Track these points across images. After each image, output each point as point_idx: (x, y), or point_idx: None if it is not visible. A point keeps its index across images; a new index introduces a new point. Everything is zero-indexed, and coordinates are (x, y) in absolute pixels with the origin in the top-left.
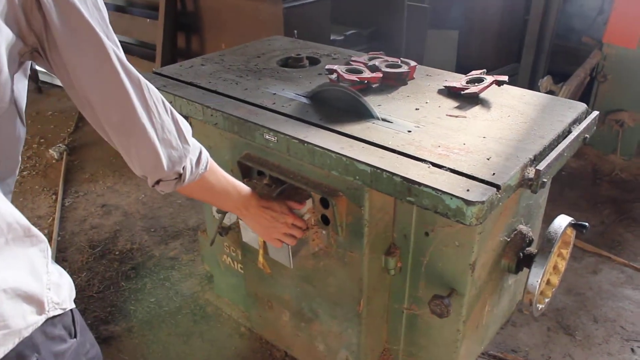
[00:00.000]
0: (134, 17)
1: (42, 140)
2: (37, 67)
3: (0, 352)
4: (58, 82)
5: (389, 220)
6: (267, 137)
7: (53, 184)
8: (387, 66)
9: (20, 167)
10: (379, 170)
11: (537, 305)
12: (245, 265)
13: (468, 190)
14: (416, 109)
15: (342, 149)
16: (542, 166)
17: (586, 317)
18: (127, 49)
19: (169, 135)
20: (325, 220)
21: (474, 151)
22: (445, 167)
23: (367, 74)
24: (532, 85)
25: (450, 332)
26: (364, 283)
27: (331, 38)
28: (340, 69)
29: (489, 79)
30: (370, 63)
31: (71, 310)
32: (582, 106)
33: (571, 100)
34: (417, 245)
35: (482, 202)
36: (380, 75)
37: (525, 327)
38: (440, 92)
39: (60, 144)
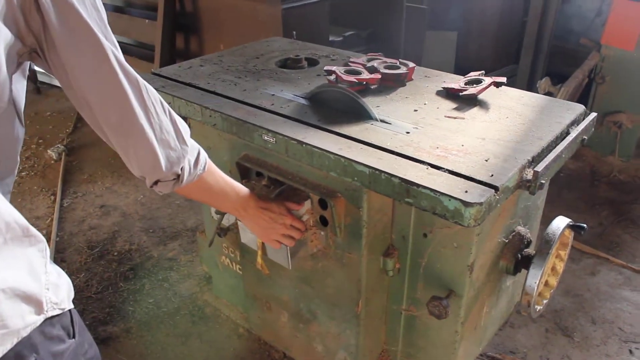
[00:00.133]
0: (132, 18)
1: (40, 141)
2: (36, 68)
3: None
4: (57, 83)
5: (388, 222)
6: (265, 138)
7: (51, 184)
8: (385, 67)
9: (18, 168)
10: (377, 172)
11: (535, 306)
12: (244, 266)
13: (466, 191)
14: (415, 110)
15: (341, 150)
16: (540, 168)
17: (584, 319)
18: (126, 49)
19: (167, 136)
20: (323, 222)
21: (472, 152)
22: (443, 168)
23: (365, 75)
24: (530, 87)
25: (449, 334)
26: (362, 284)
27: (330, 39)
28: (339, 70)
29: (488, 80)
30: (369, 64)
31: (70, 310)
32: (580, 108)
33: (569, 102)
34: (415, 247)
35: (480, 204)
36: (379, 76)
37: (523, 328)
38: (438, 93)
39: (59, 145)
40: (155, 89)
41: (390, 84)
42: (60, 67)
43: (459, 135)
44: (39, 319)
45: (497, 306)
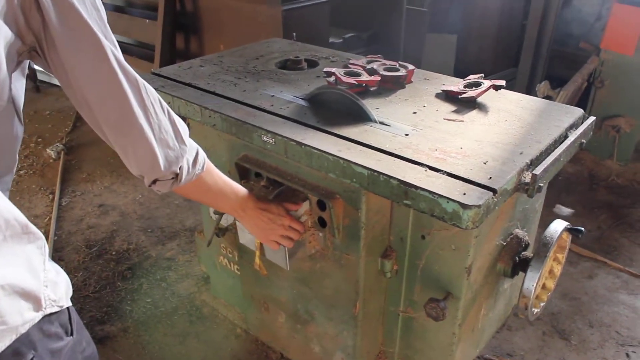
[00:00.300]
0: (133, 18)
1: (39, 140)
2: (36, 67)
3: None
4: (56, 82)
5: (386, 223)
6: (265, 138)
7: (50, 183)
8: (385, 69)
9: (17, 166)
10: (376, 173)
11: (533, 309)
12: (242, 267)
13: (464, 194)
14: (414, 113)
15: (340, 152)
16: (538, 171)
17: (581, 322)
18: (126, 49)
19: (165, 135)
20: (322, 223)
21: (470, 155)
22: (442, 170)
23: (365, 77)
24: (529, 90)
25: (446, 336)
26: (360, 285)
27: (330, 41)
28: (339, 71)
29: (487, 83)
30: (369, 66)
31: (68, 308)
32: (579, 111)
33: (568, 106)
34: (413, 249)
35: (479, 206)
36: (379, 78)
37: (520, 331)
38: (437, 96)
39: (58, 144)
40: (155, 88)
41: (389, 86)
42: (60, 66)
43: (457, 138)
44: (38, 316)
45: (495, 309)
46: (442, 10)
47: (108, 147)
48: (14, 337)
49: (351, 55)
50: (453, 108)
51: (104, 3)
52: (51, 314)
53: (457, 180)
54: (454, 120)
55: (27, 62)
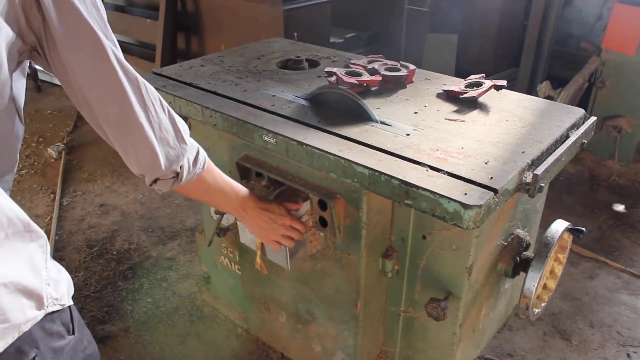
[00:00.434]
0: (134, 17)
1: (40, 139)
2: (37, 66)
3: (0, 346)
4: (57, 81)
5: (387, 223)
6: (266, 138)
7: (51, 183)
8: (386, 69)
9: (18, 166)
10: (377, 173)
11: (534, 309)
12: (243, 267)
13: (466, 194)
14: (415, 113)
15: (341, 152)
16: (539, 171)
17: (582, 322)
18: (127, 49)
19: (166, 134)
20: (323, 222)
21: (472, 155)
22: (443, 170)
23: (366, 77)
24: (530, 90)
25: (447, 336)
26: (361, 285)
27: (331, 40)
28: (340, 71)
29: (488, 83)
30: (370, 66)
31: (69, 307)
32: (580, 111)
33: (569, 106)
34: (414, 248)
35: (480, 206)
36: (380, 78)
37: (521, 331)
38: (439, 95)
39: (59, 143)
40: (156, 88)
41: (390, 86)
42: (60, 66)
43: (458, 138)
44: (40, 314)
45: (496, 309)
46: (443, 10)
47: (109, 146)
48: (16, 335)
49: (352, 55)
50: (454, 108)
51: (105, 2)
52: (53, 312)
53: (458, 180)
54: (455, 120)
55: (27, 61)
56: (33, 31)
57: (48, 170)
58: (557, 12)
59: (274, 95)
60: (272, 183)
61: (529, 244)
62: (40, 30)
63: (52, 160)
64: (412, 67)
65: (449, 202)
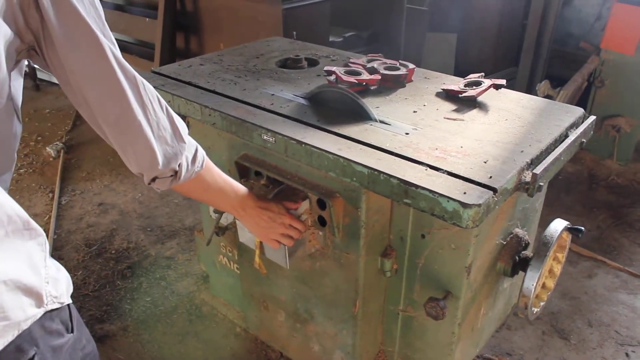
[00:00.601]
0: (133, 16)
1: (39, 138)
2: (35, 65)
3: (0, 343)
4: (56, 80)
5: (386, 222)
6: (265, 137)
7: (50, 182)
8: (385, 68)
9: (17, 165)
10: (376, 172)
11: (533, 308)
12: (242, 266)
13: (465, 193)
14: (414, 112)
15: (340, 151)
16: (539, 170)
17: (581, 321)
18: (126, 48)
19: (164, 133)
20: (322, 222)
21: (471, 154)
22: (442, 169)
23: (365, 76)
24: (529, 90)
25: (446, 335)
26: (359, 284)
27: (330, 40)
28: (339, 70)
29: (487, 82)
30: (369, 65)
31: (68, 305)
32: (579, 111)
33: (569, 105)
34: (413, 248)
35: (479, 205)
36: (379, 77)
37: (520, 330)
38: (438, 95)
39: (58, 142)
40: (155, 87)
41: (390, 85)
42: (59, 65)
43: (458, 137)
44: (39, 312)
45: (494, 308)
46: (442, 9)
47: (108, 145)
48: (16, 333)
49: (351, 54)
50: (453, 107)
51: (104, 1)
52: (52, 310)
53: (458, 180)
54: (454, 119)
55: (25, 61)
56: (31, 30)
57: (47, 169)
58: (557, 12)
59: (273, 94)
60: (271, 182)
61: (528, 243)
62: (39, 30)
63: (51, 159)
64: (411, 66)
65: (448, 201)
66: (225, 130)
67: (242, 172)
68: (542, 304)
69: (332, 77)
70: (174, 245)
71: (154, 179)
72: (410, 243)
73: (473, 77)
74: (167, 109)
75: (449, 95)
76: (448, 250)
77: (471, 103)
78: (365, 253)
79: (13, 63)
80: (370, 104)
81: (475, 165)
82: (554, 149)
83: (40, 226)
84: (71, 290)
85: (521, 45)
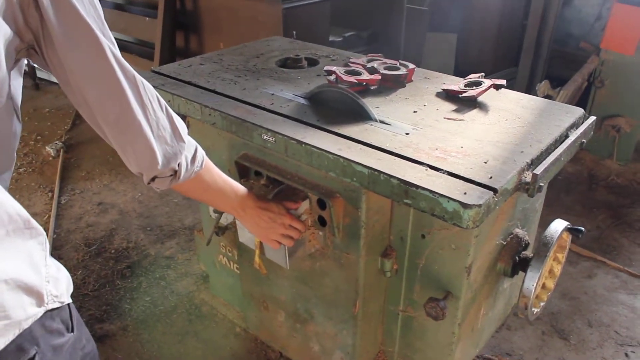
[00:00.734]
0: (133, 16)
1: (39, 137)
2: (35, 64)
3: (1, 343)
4: (55, 79)
5: (386, 222)
6: (265, 137)
7: (49, 181)
8: (385, 68)
9: (16, 164)
10: (376, 172)
11: (533, 309)
12: (241, 266)
13: (465, 193)
14: (414, 112)
15: (340, 151)
16: (539, 170)
17: (581, 322)
18: (126, 47)
19: (163, 132)
20: (322, 222)
21: (471, 154)
22: (442, 170)
23: (365, 75)
24: (529, 90)
25: (446, 335)
26: (360, 285)
27: (330, 39)
28: (339, 70)
29: (487, 82)
30: (369, 65)
31: (68, 304)
32: (579, 111)
33: (569, 105)
34: (413, 248)
35: (479, 206)
36: (379, 77)
37: (520, 330)
38: (438, 95)
39: (57, 141)
40: (155, 87)
41: (390, 85)
42: (58, 64)
43: (458, 137)
44: (40, 311)
45: (494, 308)
46: (442, 9)
47: (107, 145)
48: (17, 332)
49: (351, 53)
50: (453, 107)
51: (104, 1)
52: (53, 309)
53: (458, 180)
54: (454, 120)
55: (24, 60)
56: (31, 29)
57: (46, 168)
58: (557, 12)
59: (273, 94)
60: (271, 182)
61: (528, 243)
62: (38, 29)
63: (50, 158)
64: (411, 66)
65: (448, 201)
66: (225, 130)
67: (242, 172)
68: (542, 304)
69: (332, 77)
70: (173, 245)
71: (153, 179)
72: (411, 243)
73: (473, 77)
74: (166, 108)
75: (449, 96)
76: (448, 251)
77: (471, 103)
78: (365, 253)
79: (13, 62)
80: (371, 103)
81: (475, 166)
82: (554, 150)
83: (40, 225)
84: (71, 289)
85: (521, 45)
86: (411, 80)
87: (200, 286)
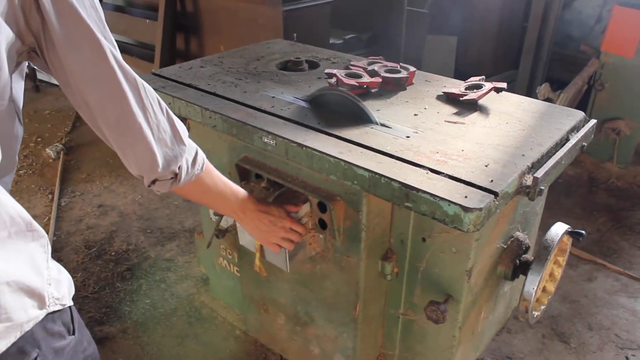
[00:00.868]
0: (133, 18)
1: (39, 139)
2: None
3: (3, 345)
4: (56, 82)
5: (387, 226)
6: (265, 140)
7: (49, 183)
8: (386, 71)
9: (17, 166)
10: (377, 176)
11: (533, 312)
12: (242, 268)
13: (466, 196)
14: (415, 115)
15: (341, 154)
16: (540, 174)
17: (581, 325)
18: (126, 49)
19: (164, 135)
20: (322, 225)
21: (472, 158)
22: (443, 173)
23: (366, 78)
24: (530, 92)
25: (446, 338)
26: (360, 288)
27: (330, 42)
28: (340, 73)
29: (488, 85)
30: (370, 68)
31: (69, 307)
32: (580, 114)
33: (569, 108)
34: (414, 251)
35: (480, 209)
36: (380, 80)
37: (520, 333)
38: (439, 98)
39: (58, 144)
40: (156, 89)
41: (390, 87)
42: (59, 67)
43: (458, 140)
44: (41, 314)
45: (495, 311)
46: (442, 11)
47: (107, 147)
48: (18, 335)
49: (352, 56)
50: (454, 110)
51: (104, 3)
52: (54, 312)
53: (459, 183)
54: (455, 123)
55: (26, 63)
56: (32, 32)
57: (46, 170)
58: (557, 14)
59: (273, 97)
60: (272, 185)
61: (529, 246)
62: (39, 32)
63: (51, 160)
64: (412, 69)
65: (449, 204)
66: (226, 132)
67: (242, 175)
68: (542, 307)
69: (333, 80)
70: (173, 248)
71: (154, 182)
72: (411, 246)
73: (474, 80)
74: (167, 111)
75: (449, 99)
76: (449, 254)
77: (472, 106)
78: (365, 256)
79: (14, 65)
80: (371, 106)
81: (476, 169)
82: (554, 153)
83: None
84: (73, 292)
85: (521, 47)
86: (412, 83)
87: (200, 289)
